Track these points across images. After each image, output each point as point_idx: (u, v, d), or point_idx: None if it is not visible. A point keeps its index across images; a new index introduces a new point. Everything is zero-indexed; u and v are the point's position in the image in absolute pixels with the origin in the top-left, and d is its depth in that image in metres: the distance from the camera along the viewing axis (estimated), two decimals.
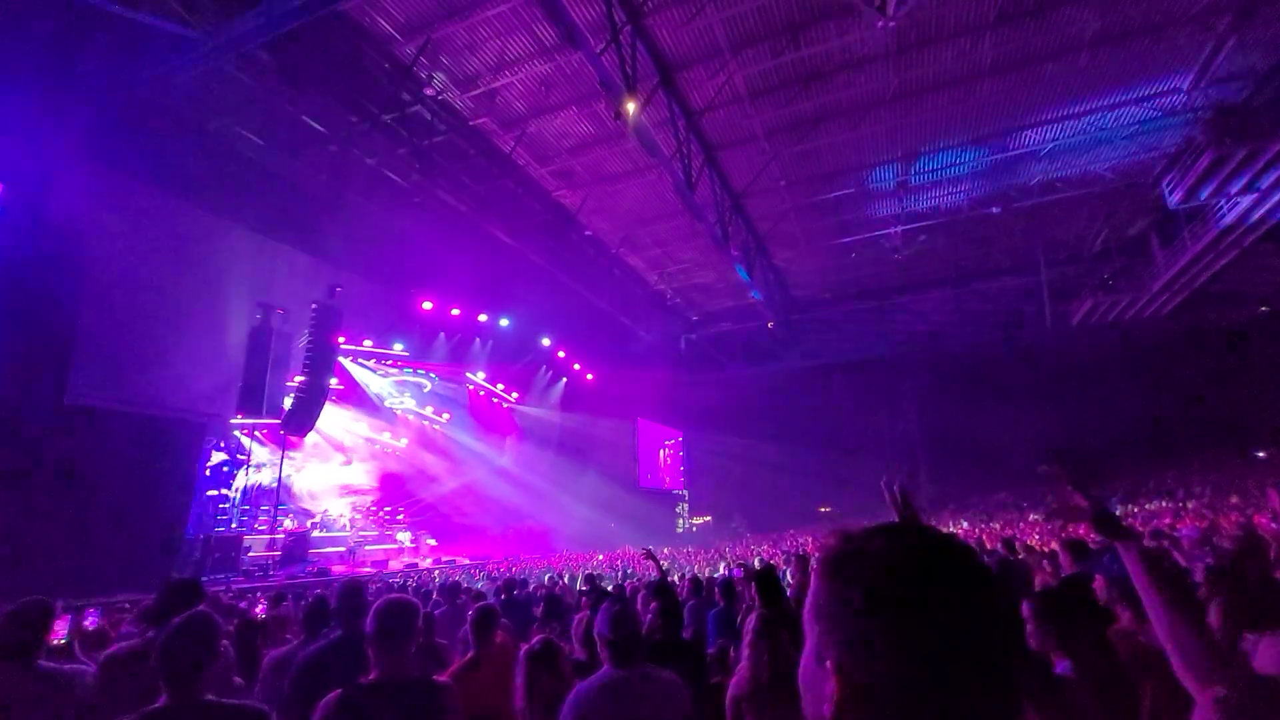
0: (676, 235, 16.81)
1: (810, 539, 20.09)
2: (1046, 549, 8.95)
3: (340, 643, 2.70)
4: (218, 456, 13.47)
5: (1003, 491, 24.49)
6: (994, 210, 15.24)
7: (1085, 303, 18.15)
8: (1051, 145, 13.13)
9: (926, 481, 27.41)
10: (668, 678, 2.27)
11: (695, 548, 20.67)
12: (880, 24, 8.65)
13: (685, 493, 31.64)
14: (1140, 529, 10.27)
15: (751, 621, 2.65)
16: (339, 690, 2.00)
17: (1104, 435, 23.37)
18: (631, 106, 9.32)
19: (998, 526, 17.73)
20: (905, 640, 0.57)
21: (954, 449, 26.69)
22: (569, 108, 11.71)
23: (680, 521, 31.05)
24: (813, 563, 0.74)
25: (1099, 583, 3.02)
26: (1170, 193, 13.02)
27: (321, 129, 11.34)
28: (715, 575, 10.47)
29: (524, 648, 2.57)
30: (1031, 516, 19.01)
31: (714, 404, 28.27)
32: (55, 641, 3.36)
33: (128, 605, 5.33)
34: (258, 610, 5.93)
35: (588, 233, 16.28)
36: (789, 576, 6.80)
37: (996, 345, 21.78)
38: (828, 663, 0.61)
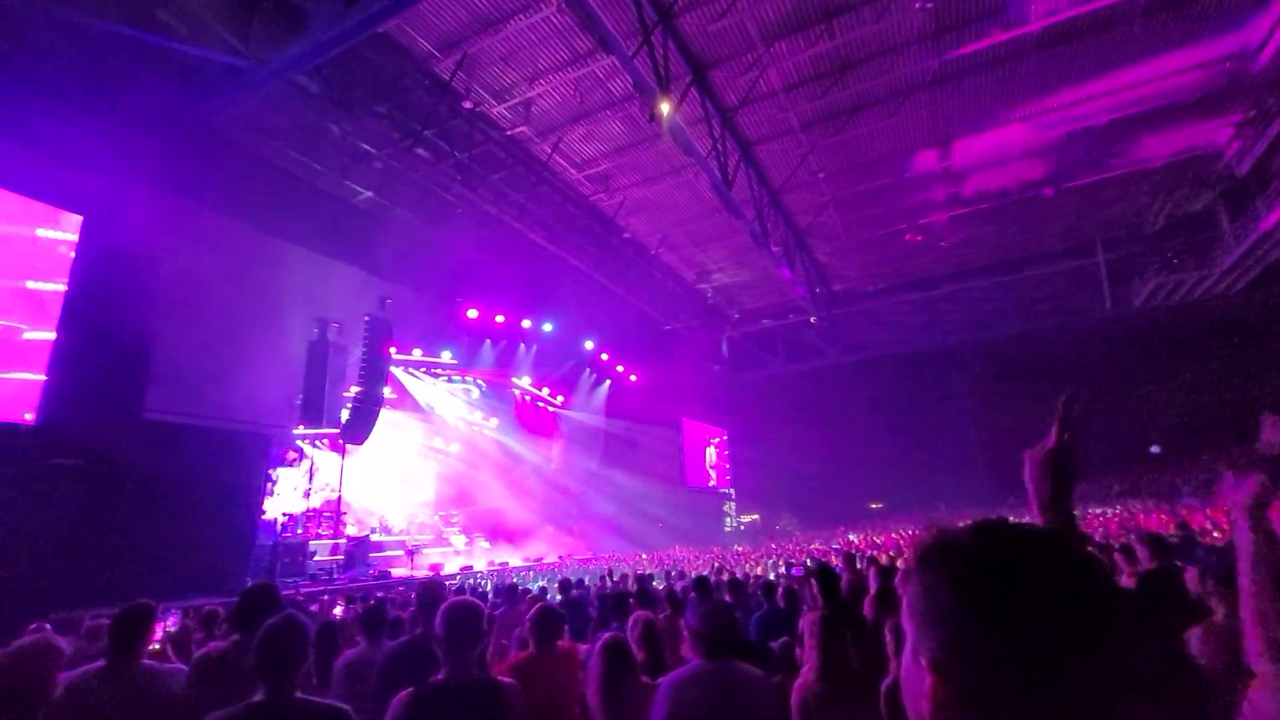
0: (715, 234, 16.74)
1: (860, 536, 19.70)
2: (1116, 544, 8.54)
3: (419, 641, 2.81)
4: (283, 468, 14.10)
5: None
6: (1045, 192, 14.65)
7: (1148, 284, 17.26)
8: (1105, 120, 12.53)
9: (983, 474, 26.49)
10: (755, 674, 2.33)
11: (745, 547, 20.52)
12: (918, 4, 8.45)
13: (732, 491, 31.42)
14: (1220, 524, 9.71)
15: (811, 621, 2.64)
16: (410, 689, 2.09)
17: (1173, 420, 22.11)
18: (665, 107, 9.35)
19: None
20: (1000, 637, 0.56)
21: (1011, 440, 25.47)
22: (603, 112, 11.82)
23: (728, 520, 30.85)
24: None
25: (1191, 574, 2.89)
26: (1238, 163, 12.24)
27: (368, 147, 11.76)
28: (768, 576, 10.39)
29: (598, 643, 2.62)
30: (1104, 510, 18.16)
31: (758, 402, 28.05)
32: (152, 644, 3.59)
33: (203, 609, 5.65)
34: (336, 612, 6.20)
35: (626, 235, 16.38)
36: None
37: (1053, 331, 20.90)
38: (923, 659, 0.61)
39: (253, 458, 11.03)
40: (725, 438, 31.41)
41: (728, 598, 5.44)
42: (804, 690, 2.54)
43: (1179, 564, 3.71)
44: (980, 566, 0.60)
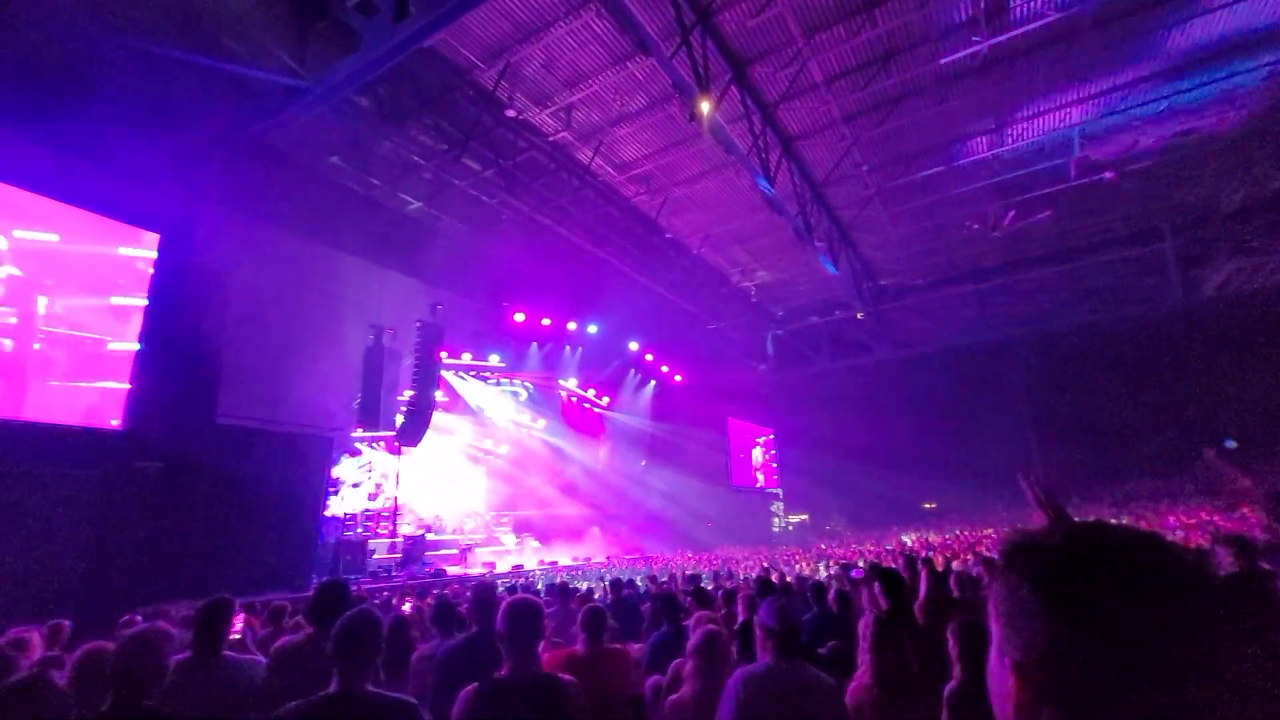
0: (757, 231, 16.58)
1: (914, 537, 19.18)
2: (1190, 544, 8.08)
3: (476, 638, 2.91)
4: (343, 468, 14.69)
5: (1131, 481, 22.26)
6: (1106, 176, 13.94)
7: (1222, 269, 16.21)
8: (1169, 100, 11.83)
9: (1041, 471, 25.38)
10: (823, 676, 2.32)
11: (794, 547, 20.25)
12: None
13: (779, 491, 31.03)
14: None
15: (868, 624, 2.61)
16: (474, 685, 2.16)
17: (1250, 414, 20.63)
18: (705, 106, 9.33)
19: (1127, 520, 16.16)
20: (1091, 638, 0.55)
21: (1070, 437, 24.46)
22: (644, 113, 11.87)
23: (776, 520, 30.49)
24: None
25: None
26: None
27: (417, 159, 12.13)
28: (818, 576, 10.25)
29: (692, 642, 2.65)
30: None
31: (804, 400, 27.61)
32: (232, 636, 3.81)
33: (270, 604, 5.95)
34: (405, 608, 6.43)
35: (668, 235, 16.40)
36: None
37: (1117, 322, 19.88)
38: (1007, 660, 0.61)
39: (316, 459, 11.58)
40: (772, 437, 31.05)
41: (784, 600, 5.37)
42: (860, 693, 2.52)
43: (1267, 567, 3.49)
44: (1070, 567, 0.59)
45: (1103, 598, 0.57)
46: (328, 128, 10.64)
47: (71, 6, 7.61)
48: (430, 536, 15.19)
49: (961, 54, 10.44)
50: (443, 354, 14.55)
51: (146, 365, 9.31)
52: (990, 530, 17.86)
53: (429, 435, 14.38)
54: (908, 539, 18.83)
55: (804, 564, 14.07)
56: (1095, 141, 13.13)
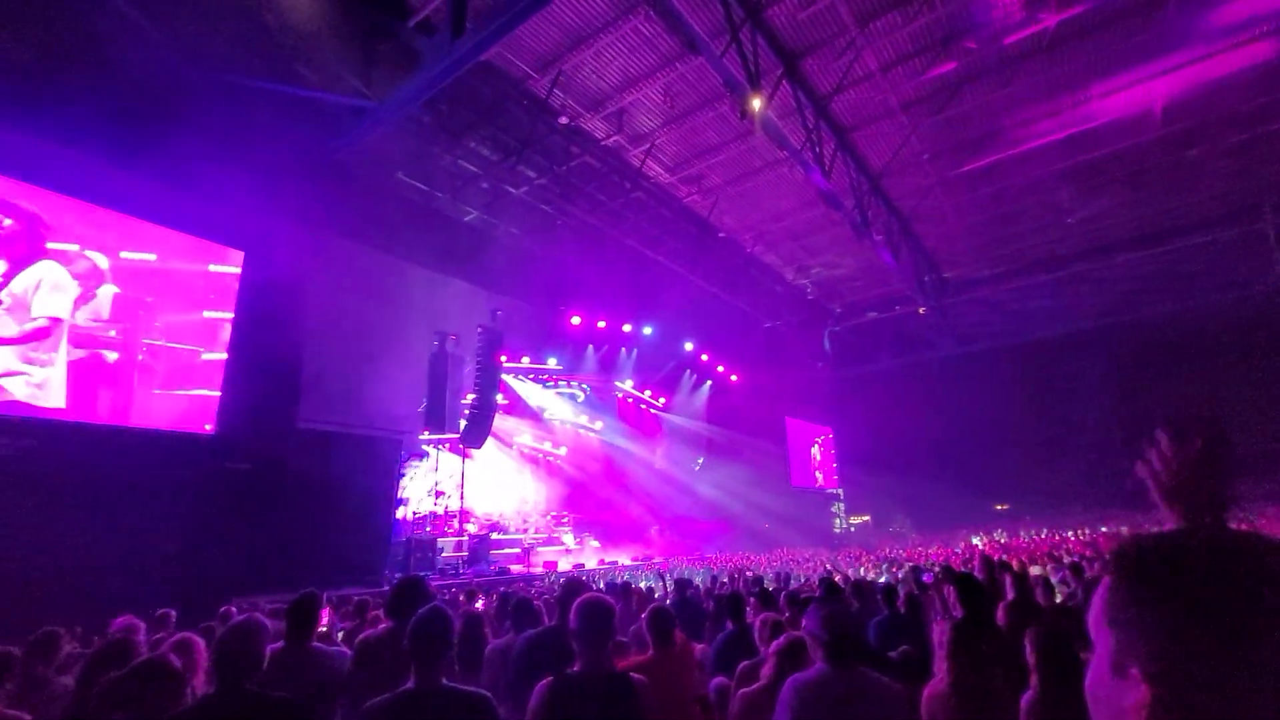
0: (812, 227, 16.28)
1: (986, 539, 18.35)
2: None
3: (549, 633, 2.99)
4: (411, 469, 15.32)
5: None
6: (1193, 153, 12.97)
7: None
8: (1266, 59, 10.85)
9: (1126, 471, 23.73)
10: (884, 682, 2.26)
11: (857, 549, 19.73)
12: None
13: (840, 491, 30.29)
14: None
15: (945, 631, 2.53)
16: (550, 679, 2.21)
17: None
18: (757, 103, 9.25)
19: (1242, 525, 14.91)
20: (1227, 645, 0.54)
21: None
22: (694, 113, 11.86)
23: (837, 521, 29.77)
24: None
25: None
26: None
27: (474, 169, 12.53)
28: (881, 579, 9.98)
29: (776, 644, 2.65)
30: None
31: (865, 398, 26.78)
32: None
33: (353, 599, 6.29)
34: (478, 605, 6.67)
35: (721, 235, 16.31)
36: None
37: (1210, 309, 18.46)
38: (1133, 671, 0.58)
39: (388, 461, 12.12)
40: (831, 436, 30.36)
41: (854, 602, 5.26)
42: (935, 701, 2.45)
43: None
44: (1199, 572, 0.58)
45: (1244, 602, 0.55)
46: (392, 144, 11.11)
47: (162, 44, 8.24)
48: (494, 536, 15.62)
49: (1027, 33, 9.97)
50: (503, 358, 14.94)
51: (234, 374, 10.03)
52: (1072, 533, 16.88)
53: (492, 436, 14.81)
54: (978, 541, 18.04)
55: (867, 565, 13.70)
56: (1179, 115, 12.24)
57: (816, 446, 29.61)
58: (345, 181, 11.17)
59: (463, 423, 14.08)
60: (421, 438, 14.76)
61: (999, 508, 26.32)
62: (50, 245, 8.45)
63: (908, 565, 11.13)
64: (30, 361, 8.18)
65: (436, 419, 13.31)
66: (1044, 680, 2.24)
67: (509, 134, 11.73)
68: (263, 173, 9.67)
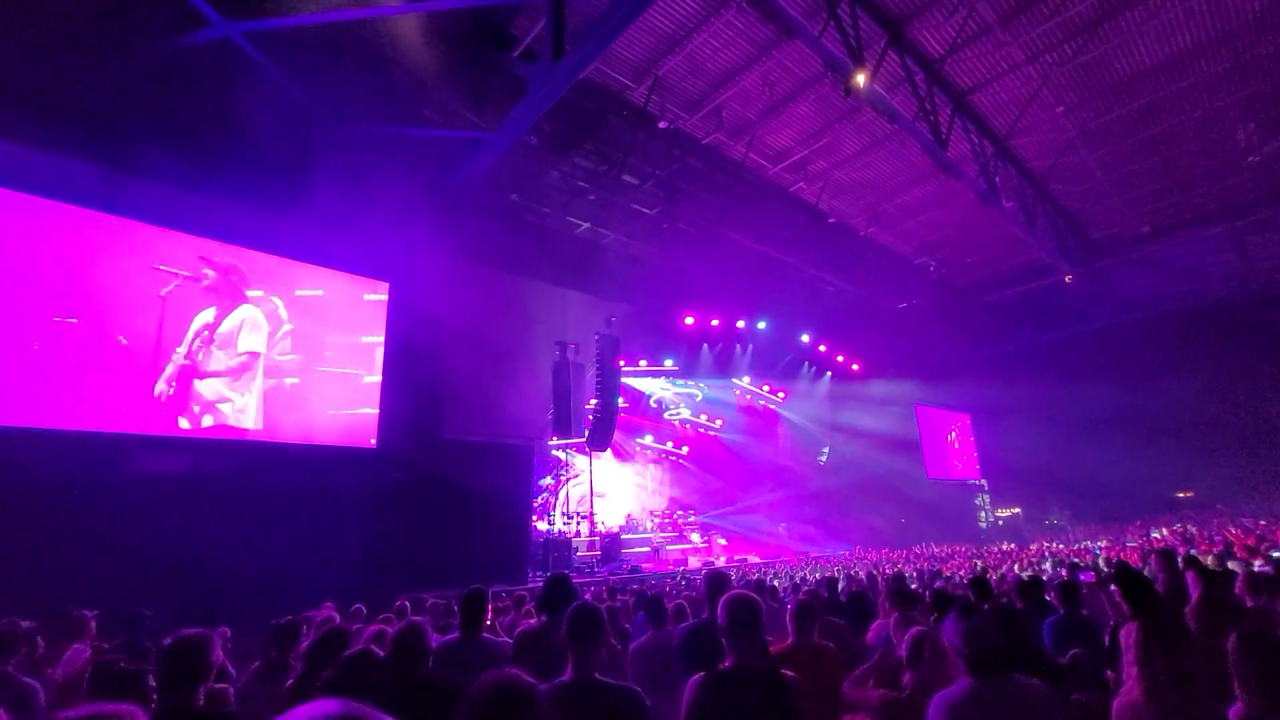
0: (931, 201, 15.27)
1: (1167, 531, 16.14)
2: None
3: (709, 627, 3.07)
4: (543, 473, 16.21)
5: None
6: None
7: None
8: None
9: None
10: (1038, 690, 2.11)
11: (1011, 545, 18.14)
12: None
13: (984, 482, 27.97)
14: None
15: (1132, 634, 2.29)
16: (702, 674, 2.22)
17: None
18: (861, 78, 8.81)
19: None
20: None
21: None
22: (794, 99, 11.58)
23: (983, 515, 27.50)
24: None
25: None
26: None
27: (581, 183, 13.02)
28: (1041, 576, 9.14)
29: (901, 649, 2.61)
30: None
31: (1004, 379, 24.42)
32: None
33: (514, 593, 6.77)
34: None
35: (831, 220, 15.73)
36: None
37: None
38: None
39: (523, 466, 12.91)
40: (968, 422, 28.15)
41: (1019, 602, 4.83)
42: (1128, 712, 2.23)
43: None
44: None
45: None
46: (504, 168, 11.83)
47: (307, 104, 9.34)
48: (624, 535, 16.10)
49: None
50: (621, 362, 15.39)
51: (388, 392, 11.18)
52: None
53: (615, 439, 15.29)
54: (1160, 534, 15.92)
55: (1023, 563, 12.55)
56: None
57: (954, 434, 27.60)
58: (467, 209, 12.05)
59: (586, 432, 14.68)
60: (550, 443, 15.55)
61: (1181, 495, 23.05)
62: (247, 292, 10.06)
63: (1062, 560, 10.11)
64: (235, 390, 9.74)
65: (563, 425, 13.97)
66: (1254, 693, 1.97)
67: (611, 145, 12.08)
68: (398, 209, 10.70)
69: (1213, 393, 22.06)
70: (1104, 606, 4.86)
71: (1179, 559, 5.13)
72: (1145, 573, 4.12)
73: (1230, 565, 6.93)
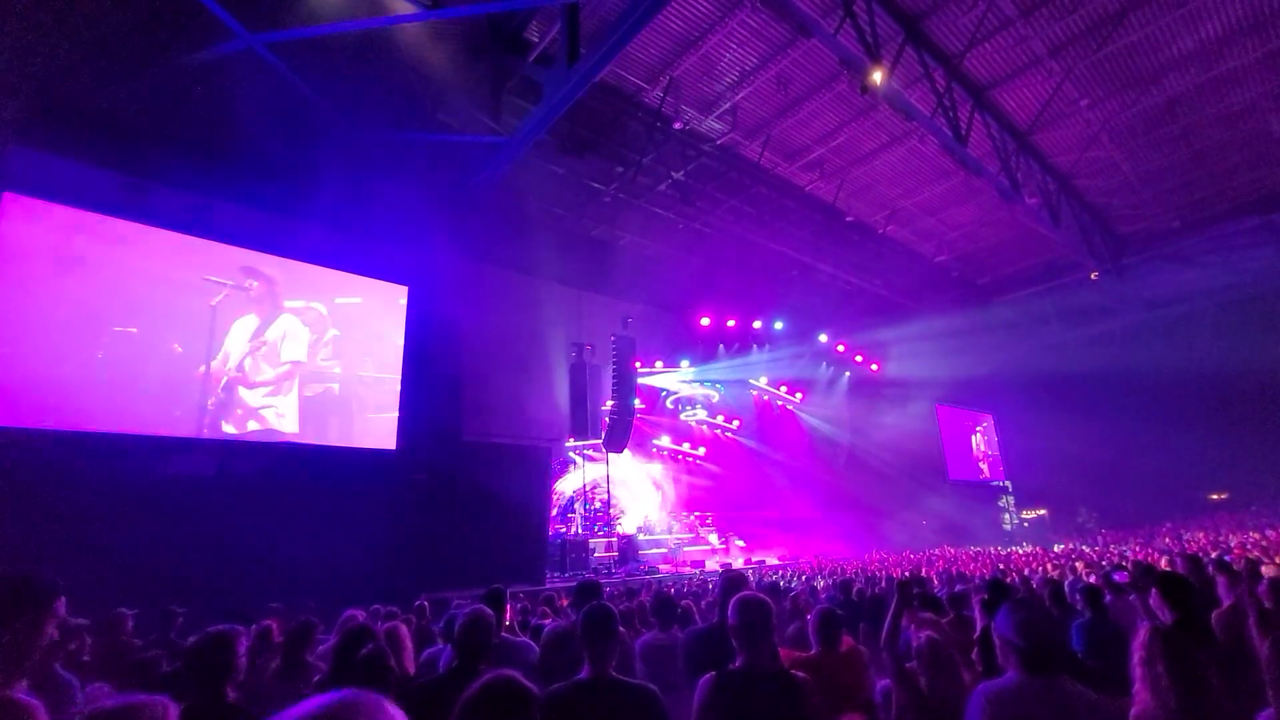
0: (951, 198, 15.09)
1: (1202, 535, 15.72)
2: None
3: (719, 628, 3.08)
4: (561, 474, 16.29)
5: None
6: None
7: None
8: None
9: None
10: (1091, 697, 2.03)
11: (1035, 547, 17.81)
12: None
13: (1007, 483, 27.49)
14: None
15: (1148, 638, 2.23)
16: (712, 674, 2.23)
17: None
18: (878, 75, 8.72)
19: None
20: None
21: None
22: (810, 98, 11.51)
23: (1006, 517, 27.01)
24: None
25: None
26: None
27: (596, 185, 13.07)
28: (1065, 579, 8.96)
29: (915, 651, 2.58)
30: None
31: (1029, 378, 23.99)
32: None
33: (543, 593, 6.80)
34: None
35: (849, 219, 15.60)
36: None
37: None
38: None
39: (540, 467, 12.99)
40: (991, 422, 27.69)
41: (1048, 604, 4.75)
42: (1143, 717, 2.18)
43: None
44: None
45: None
46: (521, 171, 11.91)
47: (327, 112, 9.49)
48: (641, 537, 16.11)
49: None
50: (637, 363, 15.41)
51: (407, 394, 11.32)
52: None
53: (632, 440, 15.31)
54: (1194, 536, 15.51)
55: (1048, 565, 12.31)
56: None
57: (977, 435, 27.18)
58: (484, 212, 12.15)
59: (603, 433, 14.72)
60: (567, 445, 15.63)
61: (1214, 497, 22.43)
62: (287, 302, 10.45)
63: (1089, 565, 9.90)
64: (277, 396, 10.16)
65: (580, 426, 14.04)
66: None
67: (627, 146, 12.10)
68: (415, 213, 10.87)
69: (1248, 390, 21.41)
70: (1131, 611, 4.76)
71: (1209, 564, 5.01)
72: None
73: (1265, 571, 6.73)
